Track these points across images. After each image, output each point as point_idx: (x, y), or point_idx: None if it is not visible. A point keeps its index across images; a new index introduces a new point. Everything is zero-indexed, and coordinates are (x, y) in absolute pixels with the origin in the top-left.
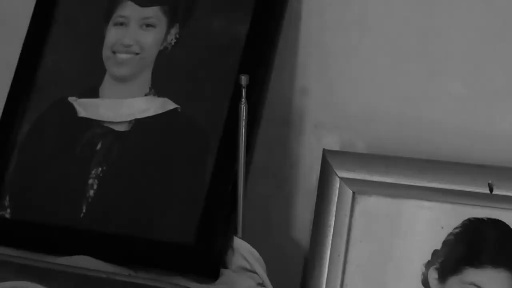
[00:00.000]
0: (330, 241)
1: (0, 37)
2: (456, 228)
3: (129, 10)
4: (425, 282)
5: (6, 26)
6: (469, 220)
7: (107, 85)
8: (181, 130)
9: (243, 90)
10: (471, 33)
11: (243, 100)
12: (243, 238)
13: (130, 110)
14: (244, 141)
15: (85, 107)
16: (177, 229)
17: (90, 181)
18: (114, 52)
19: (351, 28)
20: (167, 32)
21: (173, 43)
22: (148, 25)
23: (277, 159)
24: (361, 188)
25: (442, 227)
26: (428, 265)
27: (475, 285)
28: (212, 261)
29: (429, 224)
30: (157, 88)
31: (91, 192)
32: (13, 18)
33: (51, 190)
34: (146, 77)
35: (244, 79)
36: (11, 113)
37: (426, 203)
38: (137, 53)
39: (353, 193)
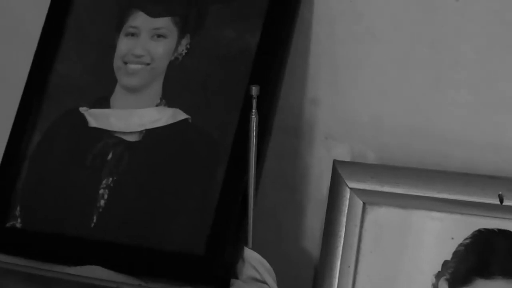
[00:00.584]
0: (340, 252)
1: (12, 46)
2: (466, 239)
3: (140, 21)
4: None
5: (18, 35)
6: (479, 231)
7: (118, 95)
8: (192, 141)
9: (254, 100)
10: (480, 43)
11: (253, 110)
12: (253, 248)
13: (141, 120)
14: (254, 151)
15: (96, 117)
16: (187, 240)
17: (101, 191)
18: (125, 63)
19: (361, 39)
20: (178, 42)
21: (184, 54)
22: (159, 36)
23: (288, 170)
24: (371, 198)
25: (452, 238)
26: (438, 276)
27: None
28: (222, 272)
29: (439, 234)
30: (168, 99)
31: (102, 202)
32: (25, 28)
33: (62, 200)
34: (157, 88)
35: (254, 90)
36: (22, 122)
37: (436, 214)
38: (148, 64)
39: (364, 203)
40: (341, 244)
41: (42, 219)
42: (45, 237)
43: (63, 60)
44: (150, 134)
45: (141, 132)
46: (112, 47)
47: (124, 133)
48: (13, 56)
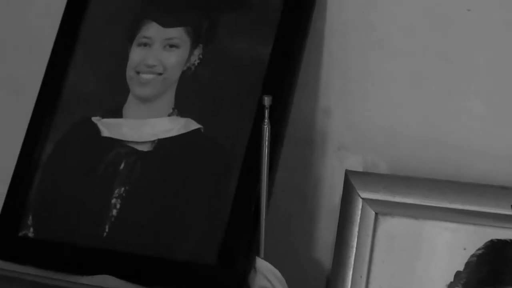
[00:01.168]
0: (352, 262)
1: (25, 56)
2: (478, 249)
3: (153, 31)
4: None
5: (31, 45)
6: (491, 241)
7: (130, 105)
8: (204, 150)
9: (266, 110)
10: (492, 53)
11: (266, 120)
12: (265, 258)
13: (153, 130)
14: (266, 161)
15: (108, 127)
16: (200, 250)
17: (113, 200)
18: (137, 73)
19: (373, 49)
20: (191, 52)
21: (196, 64)
22: (171, 46)
23: (300, 180)
24: (383, 209)
25: (465, 249)
26: (450, 286)
27: None
28: (235, 282)
29: (451, 245)
30: (180, 108)
31: (114, 212)
32: (38, 38)
33: (74, 210)
34: (169, 98)
35: (267, 100)
36: (35, 132)
37: (448, 224)
38: (160, 74)
39: (376, 214)
40: (353, 254)
41: (54, 229)
42: (57, 246)
43: (76, 70)
44: (162, 144)
45: (153, 142)
46: (125, 57)
47: (136, 142)
48: (26, 66)
